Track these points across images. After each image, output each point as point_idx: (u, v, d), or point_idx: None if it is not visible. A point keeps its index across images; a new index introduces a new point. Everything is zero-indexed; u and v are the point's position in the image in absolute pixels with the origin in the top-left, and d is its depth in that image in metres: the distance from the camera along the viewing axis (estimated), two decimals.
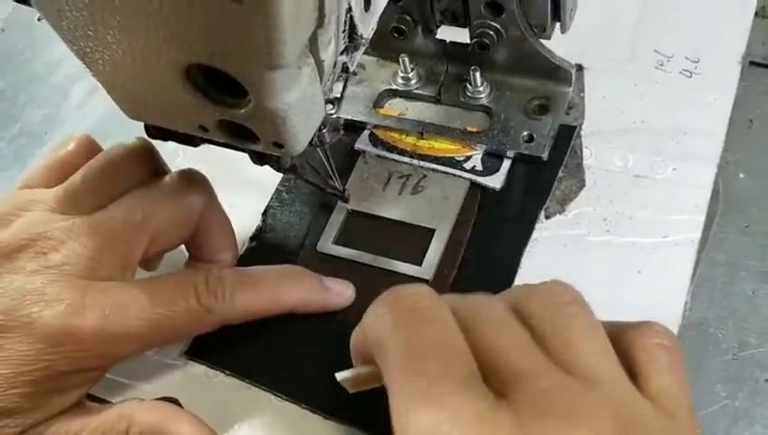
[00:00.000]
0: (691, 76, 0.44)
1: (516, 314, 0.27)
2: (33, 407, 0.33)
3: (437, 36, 0.44)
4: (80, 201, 0.35)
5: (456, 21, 0.42)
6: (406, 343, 0.26)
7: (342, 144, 0.43)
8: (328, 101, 0.32)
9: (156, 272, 0.40)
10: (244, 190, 0.43)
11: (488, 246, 0.40)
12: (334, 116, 0.34)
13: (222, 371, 0.38)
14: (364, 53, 0.34)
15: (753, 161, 0.41)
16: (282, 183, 0.44)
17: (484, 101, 0.44)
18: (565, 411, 0.23)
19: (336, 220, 0.42)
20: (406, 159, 0.43)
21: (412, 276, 0.39)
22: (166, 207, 0.36)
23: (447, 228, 0.40)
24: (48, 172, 0.38)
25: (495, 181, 0.41)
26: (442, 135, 0.43)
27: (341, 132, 0.35)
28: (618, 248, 0.38)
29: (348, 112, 0.45)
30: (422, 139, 0.44)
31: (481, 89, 0.44)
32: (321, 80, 0.29)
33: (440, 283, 0.38)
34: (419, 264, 0.39)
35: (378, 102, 0.45)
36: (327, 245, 0.41)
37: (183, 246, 0.39)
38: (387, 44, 0.45)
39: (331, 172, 0.40)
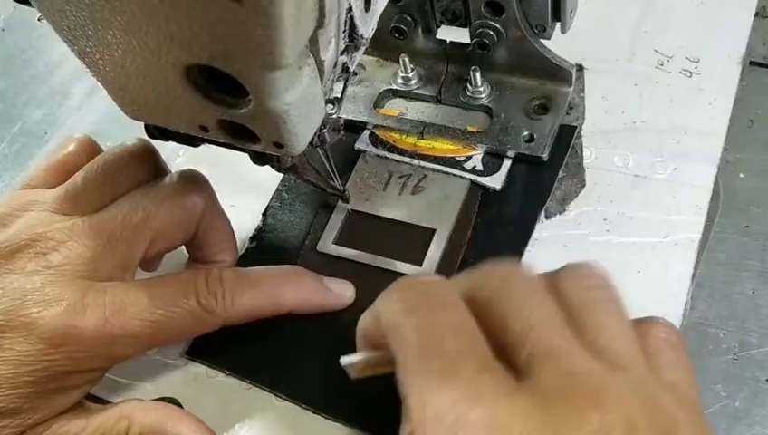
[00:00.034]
0: (691, 76, 0.44)
1: (548, 290, 0.27)
2: (33, 407, 0.33)
3: (438, 36, 0.44)
4: (80, 201, 0.35)
5: (456, 21, 0.42)
6: (422, 326, 0.25)
7: (342, 144, 0.43)
8: (328, 101, 0.32)
9: (156, 272, 0.40)
10: (244, 190, 0.43)
11: (488, 246, 0.40)
12: (334, 116, 0.34)
13: (222, 371, 0.38)
14: (364, 53, 0.34)
15: (754, 161, 0.41)
16: (282, 183, 0.44)
17: (485, 101, 0.44)
18: (591, 396, 0.23)
19: (336, 220, 0.42)
20: (406, 159, 0.43)
21: None
22: (166, 208, 0.36)
23: (448, 228, 0.40)
24: (48, 173, 0.38)
25: (496, 181, 0.41)
26: (442, 135, 0.43)
27: (342, 132, 0.35)
28: (618, 248, 0.38)
29: (348, 112, 0.45)
30: (422, 139, 0.44)
31: (481, 89, 0.44)
32: (321, 80, 0.29)
33: None
34: (420, 264, 0.39)
35: (378, 102, 0.45)
36: (327, 245, 0.41)
37: (183, 247, 0.39)
38: (387, 44, 0.45)
39: (331, 172, 0.40)
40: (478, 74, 0.43)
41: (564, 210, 0.40)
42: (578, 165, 0.41)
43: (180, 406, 0.37)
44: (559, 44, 0.42)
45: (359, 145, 0.44)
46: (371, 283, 0.38)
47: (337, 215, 0.42)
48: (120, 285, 0.34)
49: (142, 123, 0.33)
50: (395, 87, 0.46)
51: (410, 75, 0.45)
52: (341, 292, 0.38)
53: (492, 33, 0.41)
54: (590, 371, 0.23)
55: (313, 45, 0.27)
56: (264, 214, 0.44)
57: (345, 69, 0.31)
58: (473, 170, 0.42)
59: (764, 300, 0.37)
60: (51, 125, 0.53)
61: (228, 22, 0.24)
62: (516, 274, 0.27)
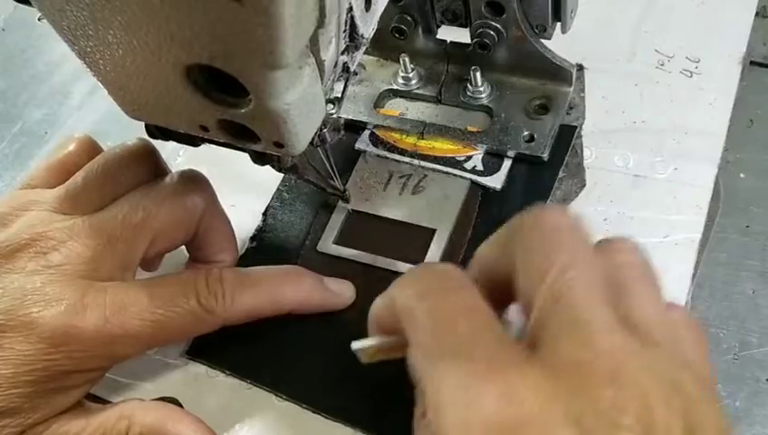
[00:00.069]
0: (691, 76, 0.44)
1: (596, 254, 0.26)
2: (33, 407, 0.33)
3: (438, 36, 0.44)
4: (80, 201, 0.35)
5: (456, 21, 0.42)
6: (435, 309, 0.26)
7: (343, 144, 0.43)
8: (328, 101, 0.32)
9: (156, 272, 0.40)
10: (244, 190, 0.43)
11: None
12: (335, 116, 0.34)
13: (222, 370, 0.38)
14: (365, 53, 0.34)
15: (754, 161, 0.41)
16: (282, 183, 0.44)
17: (485, 101, 0.44)
18: (608, 373, 0.22)
19: (336, 220, 0.42)
20: (406, 159, 0.43)
21: None
22: (166, 208, 0.36)
23: (448, 228, 0.40)
24: (49, 172, 0.38)
25: (496, 181, 0.41)
26: (442, 135, 0.43)
27: (342, 132, 0.35)
28: None
29: (348, 112, 0.45)
30: (423, 139, 0.44)
31: (481, 89, 0.44)
32: (321, 80, 0.29)
33: None
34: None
35: (378, 102, 0.45)
36: (327, 245, 0.41)
37: (183, 247, 0.39)
38: (387, 44, 0.45)
39: (331, 172, 0.40)
40: (478, 74, 0.43)
41: None
42: (578, 165, 0.41)
43: (180, 406, 0.37)
44: (559, 44, 0.42)
45: (359, 145, 0.44)
46: (372, 283, 0.38)
47: (337, 215, 0.42)
48: (121, 285, 0.34)
49: (143, 123, 0.33)
50: (395, 87, 0.46)
51: (411, 75, 0.45)
52: (342, 292, 0.38)
53: (492, 33, 0.41)
54: (611, 346, 0.23)
55: (314, 45, 0.27)
56: (265, 214, 0.43)
57: (345, 69, 0.31)
58: (473, 170, 0.42)
59: (765, 300, 0.37)
60: (51, 125, 0.53)
61: (229, 21, 0.24)
62: (568, 226, 0.27)
